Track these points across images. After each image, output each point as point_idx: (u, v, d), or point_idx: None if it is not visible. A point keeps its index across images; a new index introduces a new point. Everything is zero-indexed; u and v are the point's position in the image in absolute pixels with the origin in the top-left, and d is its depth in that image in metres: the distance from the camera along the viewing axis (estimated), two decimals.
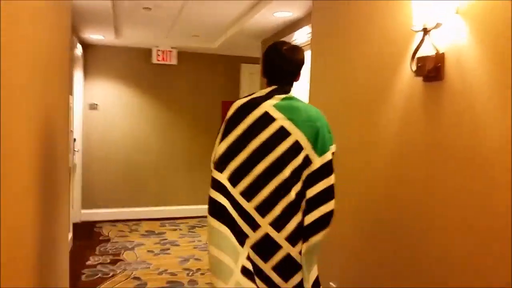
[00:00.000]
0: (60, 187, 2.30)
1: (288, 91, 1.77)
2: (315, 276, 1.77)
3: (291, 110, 1.71)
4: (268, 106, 1.70)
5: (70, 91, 2.79)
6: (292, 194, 1.68)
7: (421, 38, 1.80)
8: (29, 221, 1.57)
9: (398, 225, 2.04)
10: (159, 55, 5.42)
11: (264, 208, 1.67)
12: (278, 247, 1.68)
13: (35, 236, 1.67)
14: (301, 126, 1.69)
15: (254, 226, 1.68)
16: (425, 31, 1.77)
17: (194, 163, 5.72)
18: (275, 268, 1.69)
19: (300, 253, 1.70)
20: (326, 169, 1.70)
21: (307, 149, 1.69)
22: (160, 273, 3.67)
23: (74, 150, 4.66)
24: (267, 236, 1.67)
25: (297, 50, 1.81)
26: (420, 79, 1.87)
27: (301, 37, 3.74)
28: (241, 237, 1.68)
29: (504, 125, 1.46)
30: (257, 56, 5.31)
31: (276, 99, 1.72)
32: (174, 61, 5.51)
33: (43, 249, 1.83)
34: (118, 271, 3.67)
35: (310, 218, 1.68)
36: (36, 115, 1.66)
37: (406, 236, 1.98)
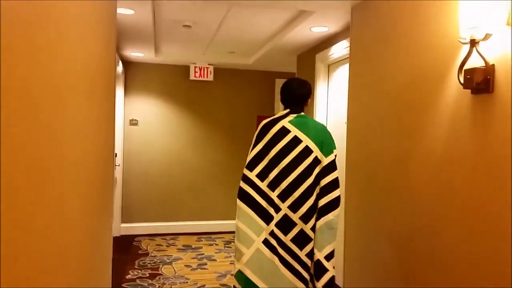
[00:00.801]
0: (106, 201, 2.36)
1: (299, 112, 2.43)
2: (329, 252, 2.29)
3: (302, 125, 2.37)
4: (285, 122, 2.38)
5: (114, 107, 2.89)
6: (305, 185, 2.29)
7: (468, 50, 1.75)
8: (78, 233, 1.61)
9: (446, 248, 1.96)
10: (196, 71, 5.54)
11: (283, 196, 2.29)
12: (294, 224, 2.28)
13: (82, 250, 1.72)
14: (309, 135, 2.34)
15: (277, 209, 2.30)
16: (473, 42, 1.72)
17: (230, 178, 5.76)
18: (292, 240, 2.28)
19: (311, 229, 2.29)
20: (332, 166, 2.34)
21: (316, 151, 2.33)
22: None
23: (115, 165, 4.80)
24: (286, 216, 2.29)
25: (304, 84, 2.46)
26: (468, 91, 1.81)
27: (338, 51, 3.72)
28: (267, 218, 2.30)
29: None
30: (292, 71, 5.33)
31: (291, 117, 2.40)
32: (210, 78, 5.61)
33: (88, 260, 1.87)
34: (157, 286, 3.71)
35: (323, 201, 2.30)
36: (88, 128, 1.72)
37: (453, 257, 1.89)
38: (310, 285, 2.32)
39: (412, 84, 2.26)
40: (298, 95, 2.42)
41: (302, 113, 2.44)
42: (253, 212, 2.30)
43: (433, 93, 2.07)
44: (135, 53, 4.99)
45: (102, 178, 2.21)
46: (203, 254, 4.73)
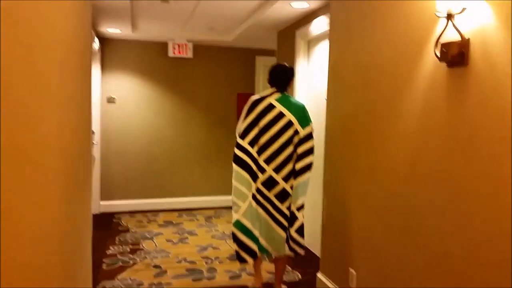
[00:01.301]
0: (83, 179, 2.35)
1: (283, 91, 2.93)
2: (300, 204, 2.89)
3: (285, 102, 2.89)
4: (271, 99, 2.89)
5: (90, 84, 2.84)
6: (286, 152, 2.86)
7: (445, 24, 1.79)
8: (55, 212, 1.61)
9: (420, 218, 2.05)
10: (175, 48, 5.46)
11: (269, 160, 2.86)
12: (277, 183, 2.86)
13: (60, 227, 1.72)
14: (291, 111, 2.86)
15: (263, 171, 2.87)
16: (449, 16, 1.76)
17: (210, 155, 5.78)
18: (275, 196, 2.86)
19: (291, 187, 2.87)
20: (308, 137, 2.89)
21: (296, 124, 2.86)
22: (179, 261, 3.74)
23: (93, 143, 4.74)
24: (270, 177, 2.86)
25: (288, 70, 2.98)
26: (444, 64, 1.87)
27: (318, 27, 3.74)
28: (255, 178, 2.87)
29: None
30: (273, 48, 5.32)
31: (276, 95, 2.91)
32: (189, 55, 5.55)
33: (68, 239, 1.88)
34: (138, 260, 3.75)
35: (299, 165, 2.88)
36: (62, 107, 1.70)
37: (429, 228, 1.99)
38: (283, 230, 2.89)
39: (390, 59, 2.31)
40: (283, 78, 2.93)
41: (285, 93, 2.94)
42: (246, 173, 2.84)
43: (410, 67, 2.12)
44: (111, 29, 4.87)
45: (79, 156, 2.19)
46: (184, 229, 4.77)
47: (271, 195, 2.86)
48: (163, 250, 4.02)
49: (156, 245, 4.19)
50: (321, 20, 3.64)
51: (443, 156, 1.89)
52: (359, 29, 2.66)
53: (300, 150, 2.87)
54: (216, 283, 3.29)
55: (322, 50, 3.85)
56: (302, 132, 2.86)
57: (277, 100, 2.87)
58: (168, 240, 4.34)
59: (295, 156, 2.87)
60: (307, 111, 2.94)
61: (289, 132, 2.84)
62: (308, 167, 2.89)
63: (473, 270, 1.72)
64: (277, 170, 2.84)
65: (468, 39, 1.74)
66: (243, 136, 2.88)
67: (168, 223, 5.00)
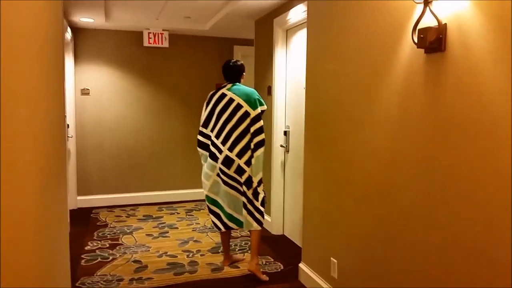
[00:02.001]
0: (57, 172, 2.27)
1: (235, 82, 3.35)
2: (259, 178, 3.24)
3: (235, 90, 3.28)
4: (224, 90, 3.31)
5: (63, 76, 2.74)
6: (237, 132, 3.21)
7: (422, 9, 1.78)
8: (28, 207, 1.54)
9: (400, 205, 2.05)
10: (150, 38, 5.34)
11: (224, 141, 3.23)
12: (232, 160, 3.20)
13: (35, 223, 1.65)
14: (240, 96, 3.24)
15: (220, 151, 3.24)
16: (426, 2, 1.75)
17: (190, 147, 5.70)
18: (235, 171, 3.21)
19: (244, 163, 3.20)
20: (258, 117, 3.23)
21: (245, 107, 3.21)
22: (160, 256, 3.68)
23: (67, 136, 4.61)
24: (227, 156, 3.21)
25: (235, 64, 3.40)
26: (421, 51, 1.86)
27: (296, 15, 3.70)
28: (215, 158, 3.27)
29: (508, 94, 1.46)
30: (251, 38, 5.26)
31: (228, 86, 3.33)
32: (165, 44, 5.43)
33: (43, 235, 1.81)
34: (118, 255, 3.68)
35: (253, 142, 3.21)
36: (33, 99, 1.62)
37: (410, 215, 1.99)
38: (250, 206, 3.23)
39: (368, 47, 2.29)
40: (231, 71, 3.36)
41: (238, 83, 3.35)
42: (208, 157, 3.33)
43: (388, 54, 2.11)
44: (84, 19, 4.71)
45: (53, 149, 2.11)
46: (164, 223, 4.71)
47: (231, 172, 3.21)
48: (143, 245, 3.96)
49: (135, 239, 4.12)
50: (299, 8, 3.60)
51: (422, 141, 1.89)
52: (337, 17, 2.63)
53: (253, 128, 3.22)
54: (198, 276, 3.26)
55: (301, 38, 3.81)
56: (253, 113, 3.21)
57: (228, 89, 3.29)
58: (148, 235, 4.28)
59: (248, 136, 3.22)
60: (257, 95, 3.29)
61: (239, 114, 3.21)
62: (262, 143, 3.24)
63: (455, 255, 1.73)
64: (231, 148, 3.20)
65: (445, 24, 1.74)
66: (204, 125, 3.38)
67: (147, 217, 4.93)
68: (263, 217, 3.26)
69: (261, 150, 3.23)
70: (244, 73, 3.43)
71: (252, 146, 3.21)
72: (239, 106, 3.22)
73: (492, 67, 1.53)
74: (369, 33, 2.28)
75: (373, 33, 2.25)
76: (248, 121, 3.21)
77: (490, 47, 1.55)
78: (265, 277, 3.23)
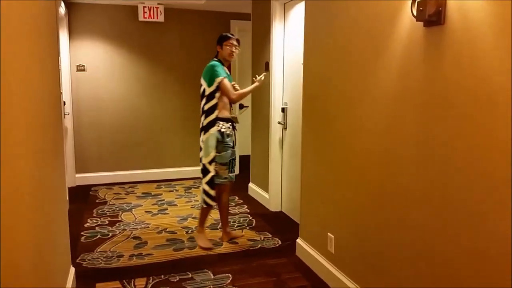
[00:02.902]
0: (54, 150, 2.26)
1: (214, 57, 3.40)
2: (212, 158, 3.26)
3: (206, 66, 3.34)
4: None
5: (58, 52, 2.69)
6: (201, 111, 3.30)
7: None
8: (26, 185, 1.54)
9: (397, 182, 2.06)
10: (145, 12, 5.23)
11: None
12: (201, 140, 3.31)
13: (33, 200, 1.65)
14: (202, 74, 3.31)
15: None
16: None
17: (189, 124, 5.68)
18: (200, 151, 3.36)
19: (202, 140, 3.29)
20: (211, 95, 3.22)
21: (204, 84, 3.27)
22: (160, 232, 3.72)
23: (64, 114, 4.58)
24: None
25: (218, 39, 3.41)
26: (420, 24, 1.83)
27: None
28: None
29: (508, 68, 1.44)
30: (248, 12, 5.15)
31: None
32: (161, 19, 5.33)
33: (40, 212, 1.81)
34: (118, 232, 3.71)
35: (205, 122, 3.26)
36: (28, 78, 1.59)
37: (406, 190, 2.00)
38: (202, 184, 3.33)
39: (367, 21, 2.25)
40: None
41: (214, 58, 3.35)
42: None
43: (387, 28, 2.07)
44: None
45: (49, 126, 2.09)
46: (163, 200, 4.74)
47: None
48: (142, 222, 3.99)
49: (135, 216, 4.15)
50: None
51: (420, 116, 1.87)
52: None
53: (206, 107, 3.24)
54: (197, 252, 3.30)
55: (299, 12, 3.74)
56: (207, 91, 3.23)
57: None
58: (147, 212, 4.31)
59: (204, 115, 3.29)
60: (213, 70, 3.22)
61: (201, 92, 3.30)
62: (211, 123, 3.23)
63: (451, 229, 1.75)
64: (201, 125, 3.32)
65: None
66: None
67: (146, 195, 4.95)
68: (207, 196, 3.29)
69: (210, 132, 3.21)
70: (218, 45, 3.33)
71: (203, 124, 3.25)
72: (201, 84, 3.29)
73: (492, 41, 1.50)
74: (368, 6, 2.23)
75: (372, 7, 2.20)
76: (204, 99, 3.25)
77: (490, 20, 1.51)
78: (238, 233, 3.61)
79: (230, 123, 3.34)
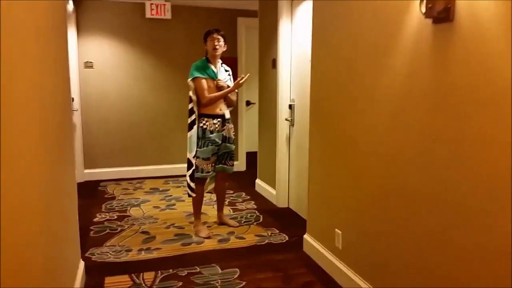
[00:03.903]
0: (64, 145, 2.29)
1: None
2: (193, 155, 3.46)
3: None
4: None
5: (67, 49, 2.72)
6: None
7: None
8: (39, 180, 1.57)
9: (403, 178, 2.06)
10: (152, 9, 5.26)
11: None
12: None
13: (45, 195, 1.69)
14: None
15: None
16: None
17: None
18: None
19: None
20: (192, 89, 3.44)
21: (189, 83, 3.47)
22: (168, 227, 3.76)
23: (73, 110, 4.62)
24: None
25: None
26: (429, 21, 1.83)
27: None
28: None
29: None
30: (254, 9, 5.16)
31: None
32: (168, 16, 5.36)
33: (51, 206, 1.85)
34: (126, 226, 3.75)
35: (189, 120, 3.46)
36: (42, 76, 1.62)
37: (411, 187, 2.01)
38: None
39: (375, 19, 2.25)
40: None
41: (204, 56, 3.57)
42: None
43: (395, 26, 2.07)
44: None
45: (59, 122, 2.12)
46: (171, 195, 4.78)
47: None
48: (150, 216, 4.03)
49: (143, 211, 4.20)
50: None
51: (428, 113, 1.88)
52: None
53: (189, 106, 3.44)
54: (205, 246, 3.33)
55: (306, 9, 3.74)
56: (189, 92, 3.44)
57: None
58: (155, 207, 4.35)
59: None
60: (192, 69, 3.46)
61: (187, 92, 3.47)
62: (191, 125, 3.42)
63: (457, 225, 1.76)
64: None
65: None
66: None
67: (154, 190, 5.00)
68: (188, 187, 3.53)
69: (193, 129, 3.41)
70: (204, 42, 3.53)
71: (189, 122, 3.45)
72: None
73: (501, 38, 1.51)
74: (377, 3, 2.23)
75: (380, 4, 2.20)
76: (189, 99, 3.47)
77: (499, 17, 1.51)
78: (231, 222, 3.80)
79: (218, 119, 3.47)
